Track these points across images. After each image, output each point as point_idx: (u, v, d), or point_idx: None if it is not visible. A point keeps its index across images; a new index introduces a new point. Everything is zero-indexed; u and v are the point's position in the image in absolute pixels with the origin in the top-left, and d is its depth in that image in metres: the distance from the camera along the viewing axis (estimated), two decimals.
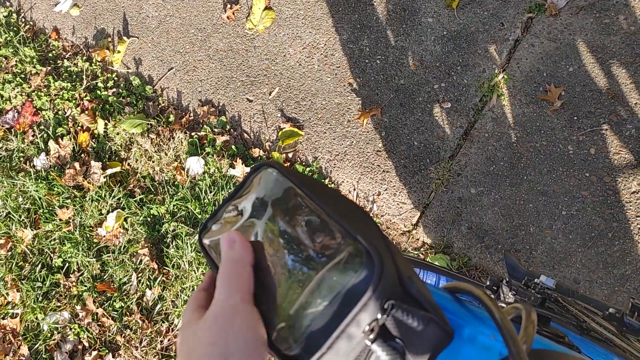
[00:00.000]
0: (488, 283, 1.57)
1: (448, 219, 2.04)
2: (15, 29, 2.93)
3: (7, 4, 3.02)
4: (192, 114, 2.50)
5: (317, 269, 0.60)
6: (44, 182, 2.52)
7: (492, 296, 0.64)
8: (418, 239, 2.07)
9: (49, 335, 2.36)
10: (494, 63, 2.11)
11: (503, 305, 0.83)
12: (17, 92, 2.76)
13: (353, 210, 0.66)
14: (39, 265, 2.45)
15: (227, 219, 0.73)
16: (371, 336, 0.56)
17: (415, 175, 2.11)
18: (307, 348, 0.56)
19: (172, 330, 2.23)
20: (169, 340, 2.22)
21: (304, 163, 2.27)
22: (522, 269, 1.51)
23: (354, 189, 2.18)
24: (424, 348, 0.62)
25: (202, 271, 2.23)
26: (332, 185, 2.15)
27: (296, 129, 2.29)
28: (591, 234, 1.88)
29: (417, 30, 2.23)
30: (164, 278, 2.29)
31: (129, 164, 2.49)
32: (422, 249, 2.05)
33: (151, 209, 2.37)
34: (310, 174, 2.19)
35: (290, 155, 2.28)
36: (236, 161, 2.30)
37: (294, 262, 0.62)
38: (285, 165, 1.86)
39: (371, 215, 2.09)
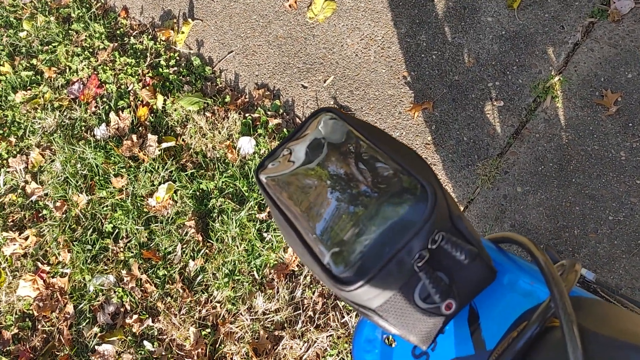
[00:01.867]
0: None
1: (491, 216, 2.04)
2: (87, 5, 3.08)
3: None
4: (247, 96, 2.57)
5: (371, 201, 0.64)
6: (102, 151, 2.64)
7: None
8: None
9: (94, 296, 2.46)
10: (551, 65, 2.11)
11: None
12: (85, 65, 2.90)
13: (408, 152, 0.71)
14: (91, 229, 2.56)
15: (284, 158, 0.78)
16: (420, 264, 0.60)
17: (462, 170, 2.13)
18: (359, 271, 0.60)
19: (211, 302, 2.30)
20: (206, 310, 2.29)
21: None
22: None
23: None
24: (468, 282, 0.65)
25: (245, 247, 2.29)
26: None
27: None
28: (637, 241, 1.86)
29: (476, 29, 2.25)
30: (207, 251, 2.36)
31: (183, 140, 2.59)
32: None
33: (201, 183, 2.45)
34: None
35: None
36: None
37: (348, 198, 0.66)
38: None
39: None
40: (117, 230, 2.53)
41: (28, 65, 3.05)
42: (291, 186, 0.72)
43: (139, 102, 2.73)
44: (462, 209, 2.09)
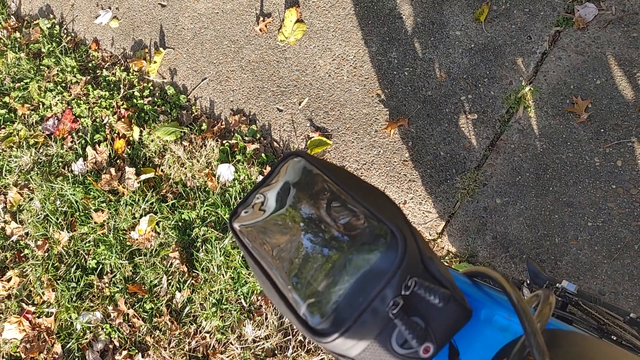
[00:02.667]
0: None
1: (473, 229, 2.06)
2: (57, 40, 3.06)
3: (51, 16, 3.16)
4: (223, 123, 2.57)
5: (342, 248, 0.64)
6: (81, 186, 2.62)
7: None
8: (443, 248, 2.10)
9: (81, 334, 2.44)
10: (521, 75, 2.13)
11: None
12: (58, 100, 2.88)
13: (378, 195, 0.71)
14: (74, 267, 2.54)
15: (256, 206, 0.78)
16: (394, 311, 0.60)
17: (441, 185, 2.14)
18: (334, 322, 0.61)
19: (200, 332, 2.28)
20: (196, 341, 2.27)
21: None
22: (544, 275, 1.53)
23: None
24: (444, 324, 0.65)
25: (231, 275, 2.28)
26: None
27: (324, 138, 2.34)
28: (617, 246, 1.88)
29: (445, 43, 2.27)
30: (193, 281, 2.35)
31: (162, 170, 2.58)
32: (447, 258, 2.08)
33: (182, 213, 2.44)
34: None
35: None
36: (265, 169, 2.36)
37: (321, 243, 0.67)
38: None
39: None
40: (101, 265, 2.51)
41: (1, 103, 3.02)
42: (264, 234, 0.73)
43: (115, 134, 2.71)
44: (443, 223, 2.11)
